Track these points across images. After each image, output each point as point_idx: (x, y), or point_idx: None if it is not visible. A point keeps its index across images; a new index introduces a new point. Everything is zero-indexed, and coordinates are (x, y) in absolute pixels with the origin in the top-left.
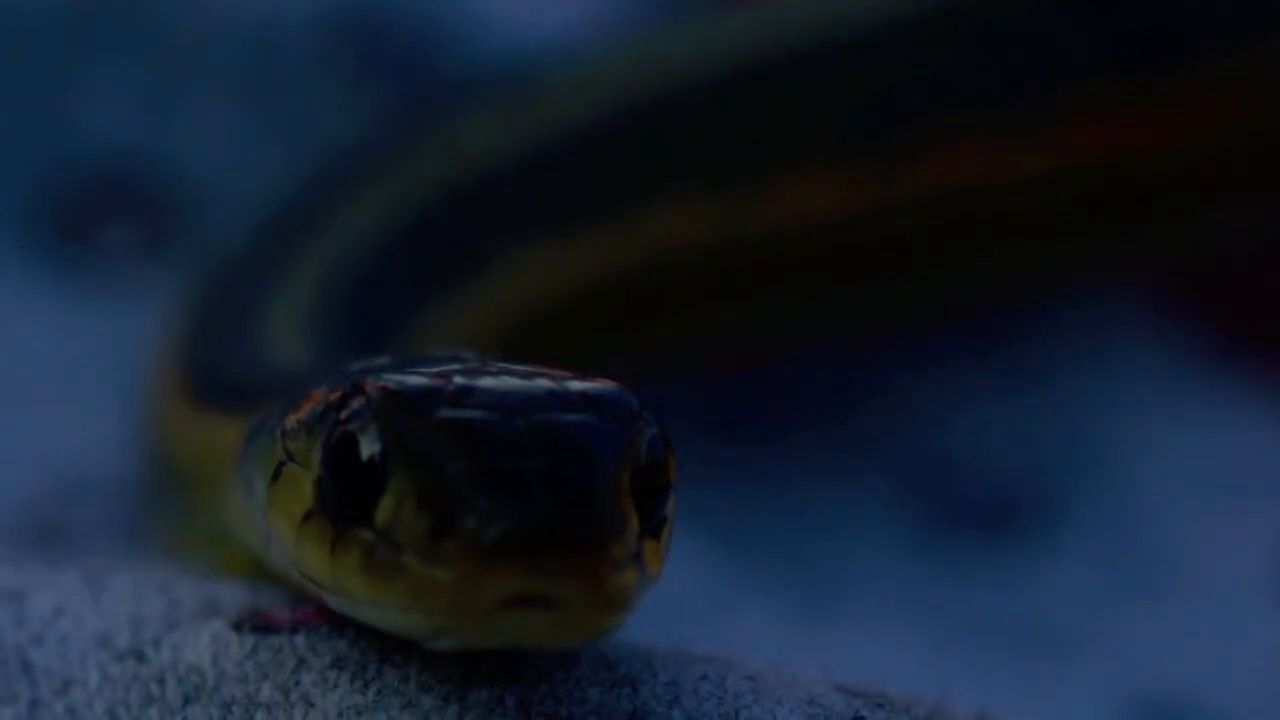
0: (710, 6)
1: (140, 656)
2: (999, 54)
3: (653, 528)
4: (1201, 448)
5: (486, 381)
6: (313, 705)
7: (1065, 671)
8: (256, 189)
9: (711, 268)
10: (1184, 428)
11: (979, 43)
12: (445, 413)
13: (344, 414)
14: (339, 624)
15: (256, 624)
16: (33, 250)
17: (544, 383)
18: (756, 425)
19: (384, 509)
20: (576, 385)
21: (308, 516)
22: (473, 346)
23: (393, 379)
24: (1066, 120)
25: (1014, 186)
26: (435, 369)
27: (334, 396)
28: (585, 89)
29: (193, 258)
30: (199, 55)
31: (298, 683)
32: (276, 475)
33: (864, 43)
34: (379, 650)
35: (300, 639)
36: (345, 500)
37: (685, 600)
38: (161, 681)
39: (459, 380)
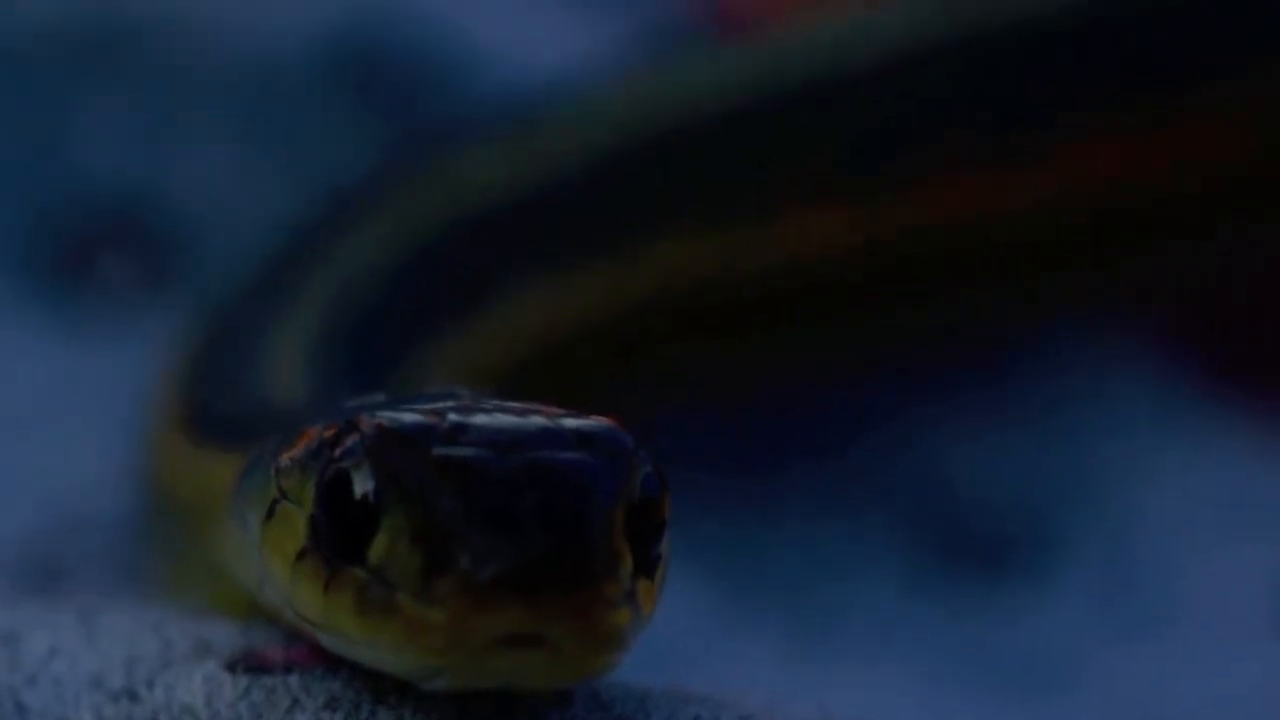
0: (710, 41)
1: (134, 697)
2: (998, 86)
3: (647, 566)
4: (1199, 481)
5: (481, 419)
6: None
7: (1063, 707)
8: (255, 224)
9: (713, 302)
10: (1181, 461)
11: (978, 75)
12: (439, 450)
13: (338, 451)
14: (333, 664)
15: (250, 664)
16: (31, 286)
17: (539, 420)
18: (756, 459)
19: (378, 547)
20: (571, 423)
21: (301, 555)
22: (469, 384)
23: (387, 416)
24: (1066, 151)
25: (1013, 217)
26: (429, 406)
27: (328, 434)
28: (586, 123)
29: (191, 293)
30: (197, 90)
31: None
32: (270, 513)
33: (864, 76)
34: (373, 691)
35: (294, 679)
36: (339, 538)
37: (680, 638)
38: None
39: (453, 418)
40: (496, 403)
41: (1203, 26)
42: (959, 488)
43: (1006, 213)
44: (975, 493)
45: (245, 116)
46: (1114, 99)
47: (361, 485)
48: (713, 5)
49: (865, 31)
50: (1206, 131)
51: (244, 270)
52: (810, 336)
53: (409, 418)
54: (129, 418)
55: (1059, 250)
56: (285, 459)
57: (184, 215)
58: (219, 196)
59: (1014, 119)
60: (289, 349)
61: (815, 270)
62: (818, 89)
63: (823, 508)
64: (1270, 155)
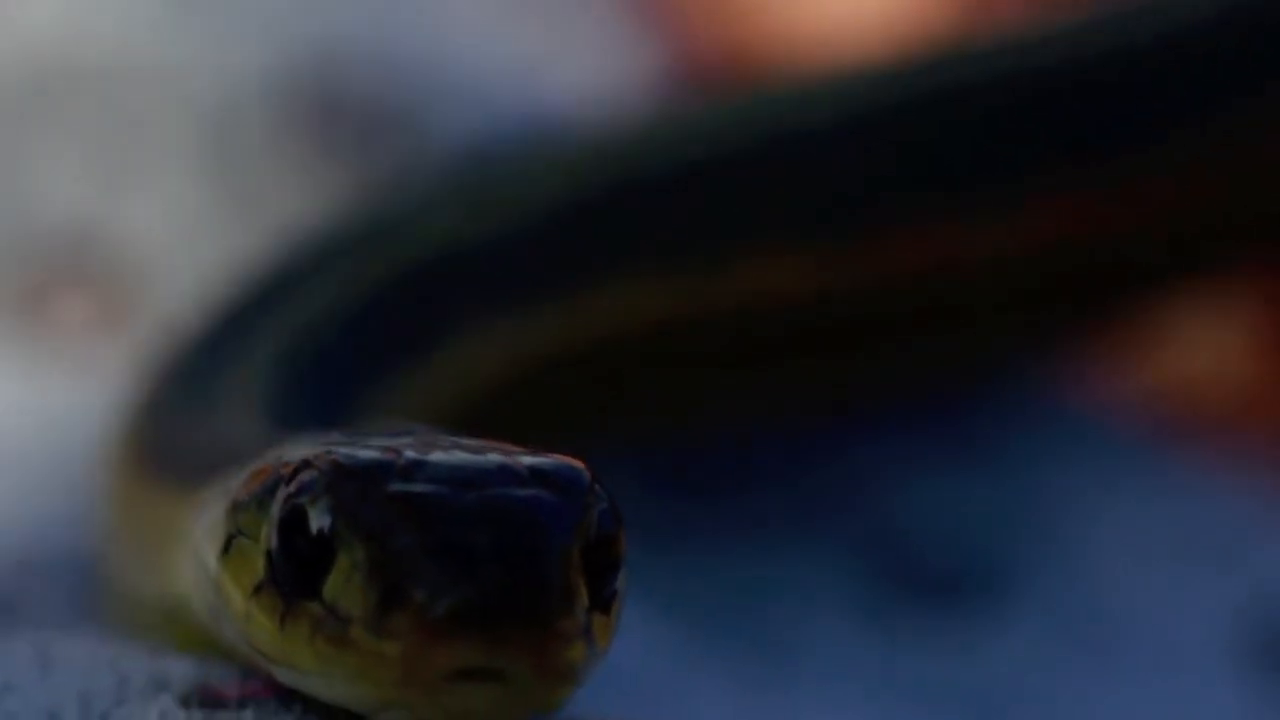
0: (673, 93)
1: None
2: (962, 139)
3: (603, 602)
4: (1152, 513)
5: (437, 456)
6: None
7: None
8: (211, 265)
9: (667, 345)
10: (1134, 494)
11: (943, 129)
12: (395, 486)
13: (294, 487)
14: (287, 698)
15: (206, 699)
16: None
17: (495, 457)
18: (711, 494)
19: (333, 582)
20: (528, 460)
21: (257, 589)
22: (427, 421)
23: (343, 453)
24: (1028, 204)
25: (968, 270)
26: (386, 443)
27: (285, 470)
28: (544, 170)
29: (146, 332)
30: (154, 128)
31: None
32: (227, 548)
33: (829, 129)
34: None
35: (249, 714)
36: (295, 573)
37: (635, 670)
38: None
39: (410, 454)
40: (453, 440)
41: (1160, 80)
42: (914, 521)
43: (961, 265)
44: (930, 526)
45: (202, 157)
46: (1074, 154)
47: (317, 521)
48: (680, 56)
49: (826, 87)
50: (1168, 185)
51: (201, 309)
52: (764, 378)
53: (365, 454)
54: (84, 454)
55: (1019, 299)
56: (242, 495)
57: (140, 256)
58: (175, 237)
59: (979, 172)
60: (244, 387)
61: (772, 317)
62: (779, 141)
63: (779, 542)
64: (1229, 207)
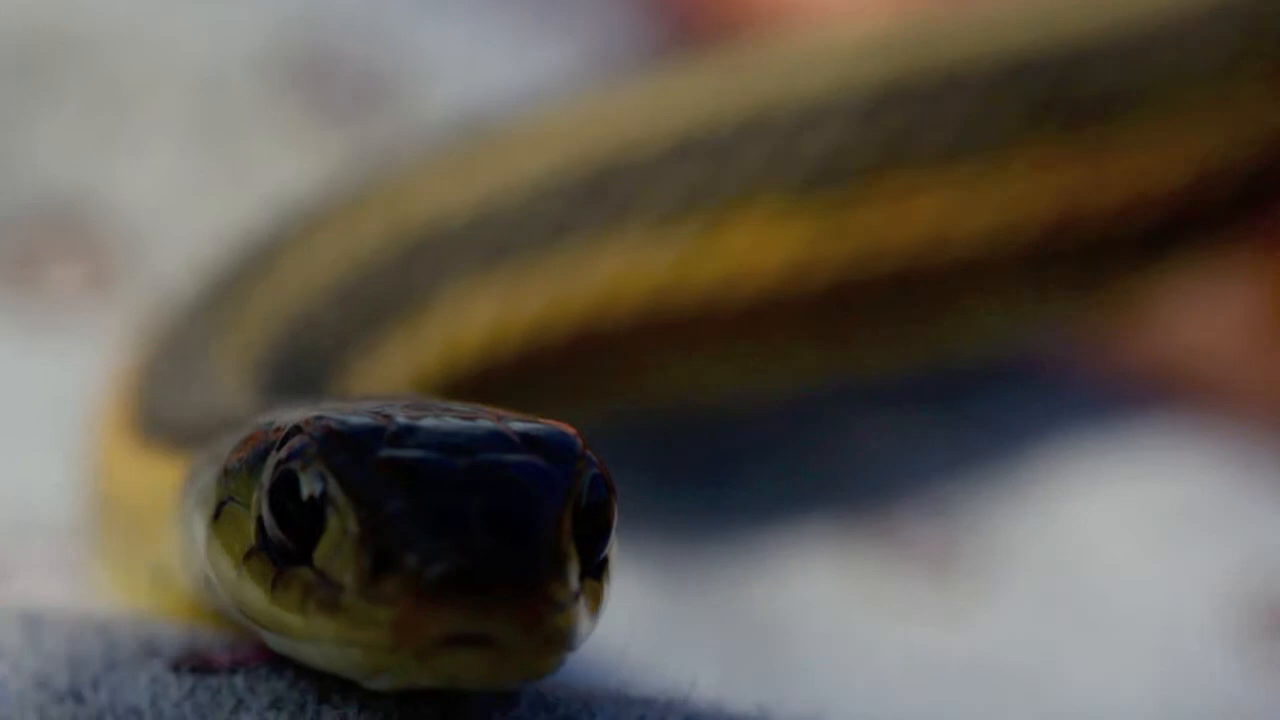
0: (666, 60)
1: (79, 698)
2: (951, 112)
3: (594, 568)
4: (1143, 490)
5: (429, 421)
6: None
7: (1006, 711)
8: (201, 230)
9: (659, 312)
10: (1126, 470)
11: (931, 101)
12: (386, 452)
13: (285, 453)
14: (278, 664)
15: (196, 665)
16: None
17: (486, 423)
18: (701, 468)
19: (324, 548)
20: (519, 425)
21: (248, 555)
22: (417, 388)
23: (334, 418)
24: (1016, 177)
25: (962, 242)
26: (377, 409)
27: (276, 435)
28: (536, 137)
29: (137, 298)
30: (145, 96)
31: None
32: (218, 514)
33: (819, 99)
34: (318, 690)
35: (239, 679)
36: (286, 539)
37: (626, 639)
38: None
39: (401, 420)
40: (444, 406)
41: (1138, 56)
42: (903, 495)
43: (953, 236)
44: (921, 500)
45: (193, 123)
46: (1064, 126)
47: (308, 486)
48: (672, 23)
49: (822, 54)
50: (1156, 158)
51: (192, 274)
52: (757, 348)
53: (356, 420)
54: (75, 420)
55: (1008, 272)
56: (233, 460)
57: (130, 221)
58: (166, 203)
59: (967, 145)
60: (235, 353)
61: (762, 284)
62: (770, 111)
63: (766, 514)
64: (1218, 180)
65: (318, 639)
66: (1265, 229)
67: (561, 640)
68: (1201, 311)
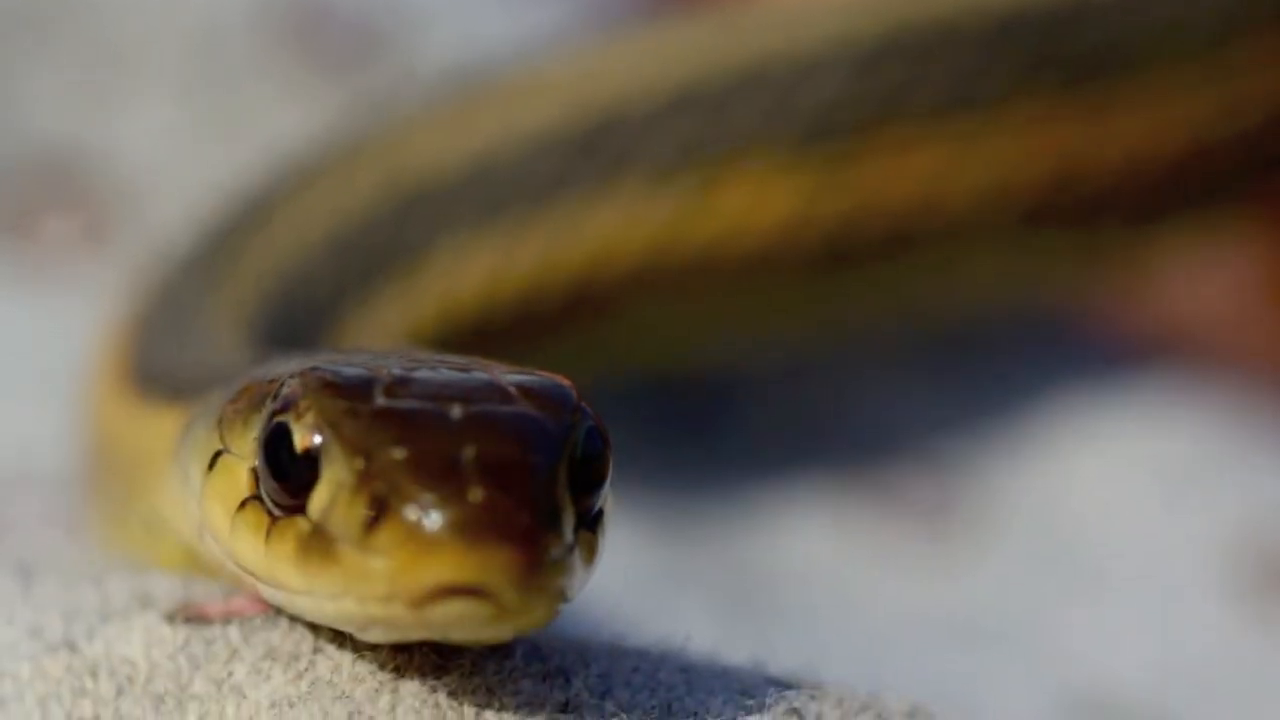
0: (661, 18)
1: (73, 648)
2: (950, 65)
3: (589, 521)
4: (1140, 446)
5: (423, 372)
6: (245, 697)
7: (1002, 665)
8: (197, 183)
9: (656, 269)
10: (1123, 426)
11: (929, 54)
12: (381, 402)
13: (280, 403)
14: (272, 615)
15: (190, 616)
16: None
17: (481, 375)
18: (697, 421)
19: (319, 498)
20: (514, 377)
21: (243, 506)
22: (412, 341)
23: (329, 369)
24: (1014, 132)
25: (960, 196)
26: (372, 360)
27: (271, 387)
28: (531, 90)
29: (131, 251)
30: (140, 48)
31: (230, 674)
32: (212, 465)
33: (816, 52)
34: (312, 642)
35: (233, 630)
36: (280, 489)
37: (619, 595)
38: (94, 673)
39: (396, 371)
40: (439, 357)
41: (1138, 11)
42: (899, 449)
43: (952, 190)
44: (915, 454)
45: (188, 77)
46: (1066, 80)
47: (303, 437)
48: None
49: (819, 8)
50: (1159, 114)
51: (187, 227)
52: (751, 302)
53: (351, 370)
54: (70, 373)
55: (1008, 227)
56: (229, 411)
57: (125, 173)
58: (161, 155)
59: (967, 98)
60: (231, 305)
61: (759, 242)
62: (768, 64)
63: (761, 468)
64: (1221, 138)
65: (311, 590)
66: (1266, 190)
67: (556, 592)
68: (1200, 271)
